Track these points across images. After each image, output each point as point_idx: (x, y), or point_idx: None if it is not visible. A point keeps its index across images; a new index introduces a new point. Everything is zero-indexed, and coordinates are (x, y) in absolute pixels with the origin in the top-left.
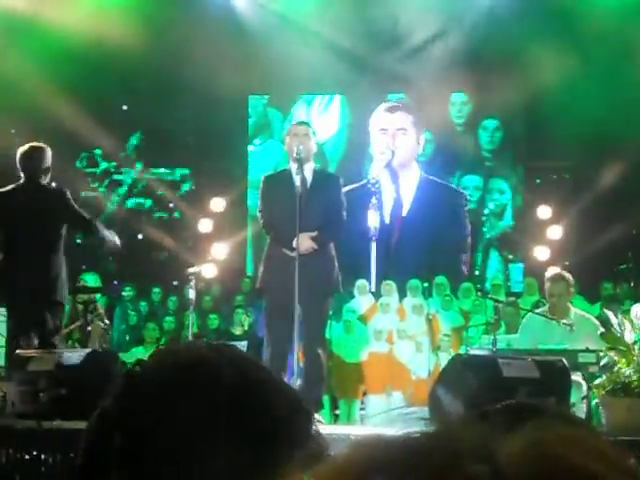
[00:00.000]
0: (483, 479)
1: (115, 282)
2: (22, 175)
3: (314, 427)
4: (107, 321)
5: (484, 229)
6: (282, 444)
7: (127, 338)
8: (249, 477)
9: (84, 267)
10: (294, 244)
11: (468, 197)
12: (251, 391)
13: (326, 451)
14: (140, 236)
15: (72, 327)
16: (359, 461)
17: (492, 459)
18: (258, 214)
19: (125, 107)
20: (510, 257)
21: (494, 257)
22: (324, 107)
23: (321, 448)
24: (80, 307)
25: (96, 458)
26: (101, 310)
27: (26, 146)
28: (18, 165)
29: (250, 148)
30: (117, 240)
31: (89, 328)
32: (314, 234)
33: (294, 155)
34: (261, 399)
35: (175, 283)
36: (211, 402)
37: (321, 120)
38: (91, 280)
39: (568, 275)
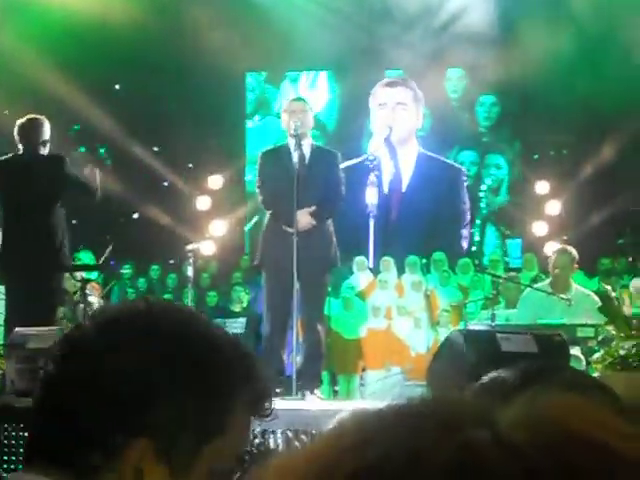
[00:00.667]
0: (483, 443)
1: (112, 261)
2: (20, 146)
3: (257, 368)
4: (101, 300)
5: (481, 205)
6: (226, 386)
7: None
8: (199, 420)
9: (81, 246)
10: (293, 220)
11: (465, 172)
12: (190, 339)
13: (270, 390)
14: (136, 215)
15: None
16: (355, 429)
17: (492, 424)
18: (256, 190)
19: (117, 86)
20: (507, 233)
21: (491, 233)
22: (311, 83)
23: (265, 387)
24: (77, 285)
25: (41, 420)
26: (97, 289)
27: (24, 118)
28: (16, 137)
29: (249, 124)
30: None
31: (81, 306)
32: (313, 210)
33: (291, 131)
34: (201, 346)
35: (171, 262)
36: (148, 353)
37: (310, 94)
38: (86, 258)
39: (572, 249)
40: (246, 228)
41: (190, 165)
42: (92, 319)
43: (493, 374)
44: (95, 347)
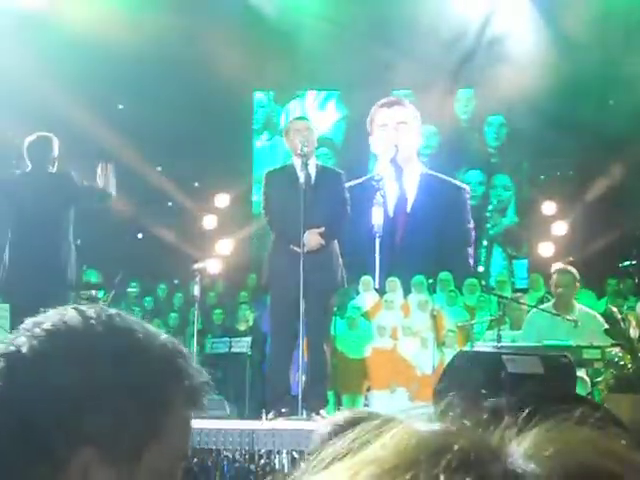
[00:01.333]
0: (494, 478)
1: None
2: (29, 164)
3: (189, 365)
4: None
5: (487, 225)
6: (159, 385)
7: None
8: (137, 422)
9: (85, 266)
10: (304, 240)
11: (469, 191)
12: (119, 342)
13: (204, 385)
14: (140, 235)
15: None
16: (366, 461)
17: (505, 458)
18: (262, 210)
19: (121, 106)
20: (514, 254)
21: (498, 253)
22: (320, 103)
23: (199, 383)
24: (84, 303)
25: None
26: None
27: (34, 135)
28: (25, 154)
29: (257, 144)
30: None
31: None
32: (321, 230)
33: (298, 151)
34: (130, 347)
35: (176, 282)
36: (79, 362)
37: (318, 115)
38: (92, 278)
39: (573, 269)
40: (252, 247)
41: (196, 184)
42: (25, 332)
43: (499, 400)
44: (28, 362)
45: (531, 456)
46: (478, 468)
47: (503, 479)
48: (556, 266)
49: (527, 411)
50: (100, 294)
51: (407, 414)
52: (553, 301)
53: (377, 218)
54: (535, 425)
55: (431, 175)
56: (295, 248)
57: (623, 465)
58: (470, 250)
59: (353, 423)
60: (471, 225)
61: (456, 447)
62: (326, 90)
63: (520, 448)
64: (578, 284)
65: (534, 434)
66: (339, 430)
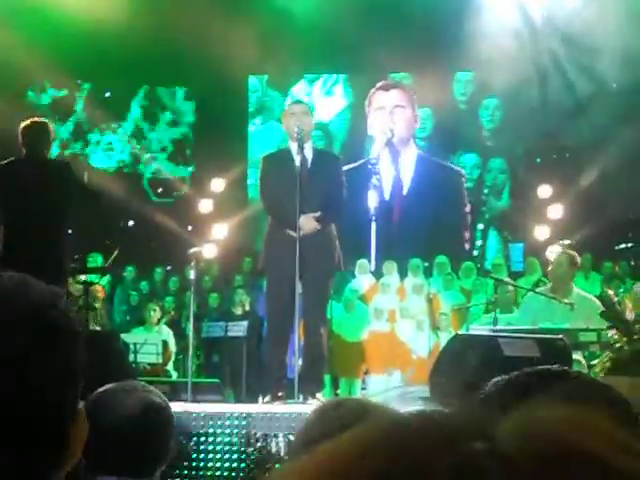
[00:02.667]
0: (478, 455)
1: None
2: (24, 149)
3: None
4: (98, 306)
5: (483, 209)
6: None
7: (128, 318)
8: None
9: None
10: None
11: (465, 174)
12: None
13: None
14: (130, 223)
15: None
16: (349, 442)
17: (487, 437)
18: (259, 195)
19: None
20: (509, 237)
21: (493, 237)
22: (328, 88)
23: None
24: (79, 287)
25: None
26: (100, 293)
27: (28, 121)
28: (20, 139)
29: (251, 128)
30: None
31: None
32: (317, 215)
33: (294, 134)
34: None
35: (169, 268)
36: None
37: (324, 101)
38: (95, 261)
39: (572, 251)
40: (248, 231)
41: (190, 169)
42: None
43: (494, 382)
44: None
45: (511, 436)
46: (459, 447)
47: (483, 458)
48: (553, 249)
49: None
50: (97, 279)
51: (402, 397)
52: (550, 284)
53: (373, 201)
54: (523, 404)
55: (426, 158)
56: (291, 232)
57: (607, 445)
58: (467, 234)
59: (336, 407)
60: (467, 209)
61: (438, 427)
62: (327, 74)
63: (504, 427)
64: (576, 267)
65: (520, 414)
66: (320, 414)
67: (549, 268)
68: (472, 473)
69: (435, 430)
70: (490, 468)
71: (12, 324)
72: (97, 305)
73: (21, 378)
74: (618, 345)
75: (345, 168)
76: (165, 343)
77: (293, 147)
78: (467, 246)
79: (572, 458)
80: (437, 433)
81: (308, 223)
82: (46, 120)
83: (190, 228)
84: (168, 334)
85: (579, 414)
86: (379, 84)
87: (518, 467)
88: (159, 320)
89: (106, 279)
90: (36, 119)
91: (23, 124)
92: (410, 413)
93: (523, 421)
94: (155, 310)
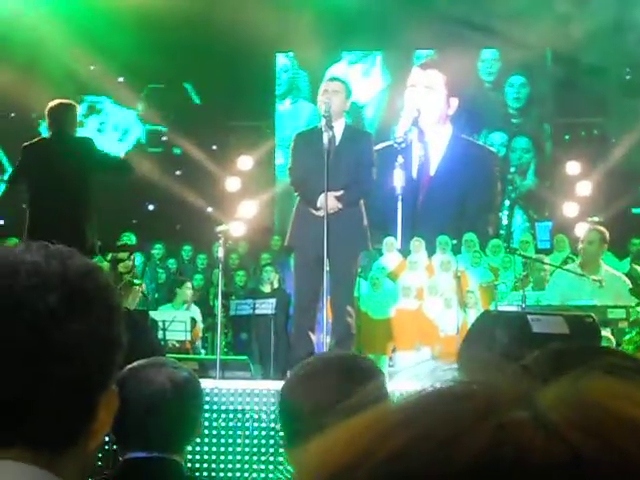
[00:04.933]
0: (522, 423)
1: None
2: (51, 129)
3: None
4: (139, 281)
5: (509, 188)
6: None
7: (156, 296)
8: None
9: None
10: (318, 203)
11: (499, 157)
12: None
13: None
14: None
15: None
16: (393, 412)
17: (532, 405)
18: (287, 171)
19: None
20: (535, 216)
21: (519, 216)
22: (366, 70)
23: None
24: (106, 265)
25: None
26: (134, 269)
27: (55, 101)
28: (47, 120)
29: (280, 108)
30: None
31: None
32: (339, 193)
33: (322, 112)
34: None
35: (189, 249)
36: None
37: (363, 82)
38: (129, 239)
39: (603, 229)
40: (276, 209)
41: (214, 147)
42: None
43: (529, 356)
44: None
45: (555, 404)
46: (498, 415)
47: (525, 426)
48: (582, 225)
49: (557, 363)
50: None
51: (433, 372)
52: (579, 261)
53: (399, 180)
54: (562, 373)
55: (462, 138)
56: (313, 211)
57: None
58: (492, 217)
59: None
60: (497, 190)
61: (480, 395)
62: (360, 51)
63: (545, 396)
64: (605, 244)
65: (561, 384)
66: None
67: (580, 245)
68: (515, 440)
69: (476, 398)
70: (533, 435)
71: (47, 285)
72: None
73: (47, 336)
74: None
75: (375, 148)
76: (193, 321)
77: (322, 124)
78: (491, 229)
79: (615, 425)
80: (478, 400)
81: (330, 202)
82: (72, 101)
83: (211, 207)
84: (195, 311)
85: (620, 384)
86: (422, 61)
87: (561, 434)
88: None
89: (137, 257)
90: (62, 100)
91: (50, 105)
92: (450, 383)
93: (566, 391)
94: (190, 289)
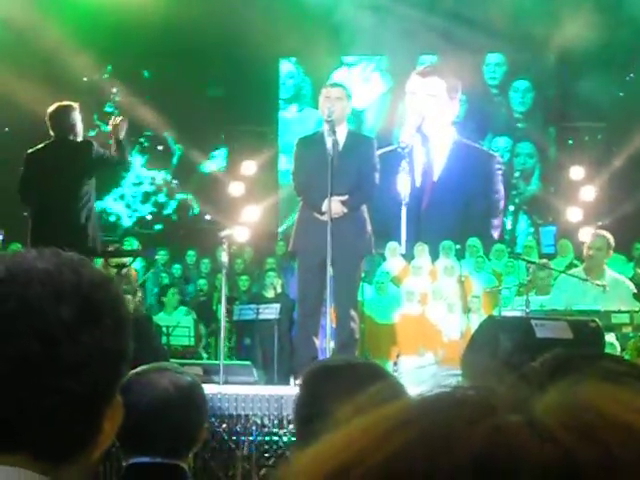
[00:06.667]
0: (516, 426)
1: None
2: (52, 133)
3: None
4: (138, 291)
5: (513, 192)
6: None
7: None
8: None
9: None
10: (323, 207)
11: (502, 161)
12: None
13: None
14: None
15: None
16: (391, 415)
17: (527, 410)
18: (291, 176)
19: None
20: (539, 221)
21: (523, 221)
22: (367, 74)
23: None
24: (112, 271)
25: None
26: (133, 277)
27: (54, 105)
28: (47, 124)
29: (286, 114)
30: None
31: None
32: (344, 198)
33: (325, 117)
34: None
35: (193, 254)
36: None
37: (362, 87)
38: (131, 245)
39: (608, 234)
40: (279, 214)
41: (216, 151)
42: None
43: (530, 365)
44: None
45: (550, 408)
46: (494, 418)
47: (519, 430)
48: (587, 230)
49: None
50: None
51: (435, 376)
52: (583, 265)
53: (403, 185)
54: (559, 380)
55: (464, 143)
56: (317, 215)
57: None
58: (496, 221)
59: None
60: (500, 195)
61: (475, 399)
62: (361, 56)
63: (540, 402)
64: (611, 251)
65: (556, 389)
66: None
67: (586, 251)
68: (509, 441)
69: (473, 402)
70: (528, 438)
71: (60, 295)
72: (137, 291)
73: (58, 348)
74: None
75: (378, 152)
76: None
77: (325, 129)
78: (495, 234)
79: (609, 429)
80: (475, 405)
81: (335, 206)
82: (70, 104)
83: (211, 213)
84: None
85: (616, 390)
86: (420, 68)
87: (555, 437)
88: (178, 304)
89: (139, 263)
90: (60, 103)
91: (49, 109)
92: (448, 387)
93: (561, 396)
94: (174, 294)
